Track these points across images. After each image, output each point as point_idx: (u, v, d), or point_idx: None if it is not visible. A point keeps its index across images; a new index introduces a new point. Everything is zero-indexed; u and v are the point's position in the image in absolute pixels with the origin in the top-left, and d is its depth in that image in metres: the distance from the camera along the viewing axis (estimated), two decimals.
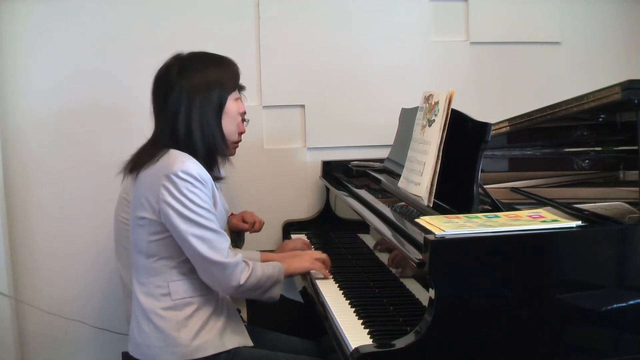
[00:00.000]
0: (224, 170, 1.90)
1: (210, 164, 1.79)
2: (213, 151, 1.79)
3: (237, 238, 2.47)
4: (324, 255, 2.06)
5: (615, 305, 1.54)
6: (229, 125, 1.84)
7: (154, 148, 1.78)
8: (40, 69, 2.61)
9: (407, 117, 2.32)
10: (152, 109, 1.83)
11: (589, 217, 1.65)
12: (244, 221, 2.44)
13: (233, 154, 1.99)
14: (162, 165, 1.72)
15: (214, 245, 1.71)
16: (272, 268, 1.85)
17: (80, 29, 2.62)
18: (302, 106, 2.82)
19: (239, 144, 1.98)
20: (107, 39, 2.64)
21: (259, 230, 2.46)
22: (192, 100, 1.76)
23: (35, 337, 2.72)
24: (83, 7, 2.61)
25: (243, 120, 1.94)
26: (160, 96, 1.80)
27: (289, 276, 2.00)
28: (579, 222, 1.56)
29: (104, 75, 2.64)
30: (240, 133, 1.94)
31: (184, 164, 1.70)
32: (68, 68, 2.63)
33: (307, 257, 2.04)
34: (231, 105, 1.83)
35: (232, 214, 2.42)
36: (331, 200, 2.73)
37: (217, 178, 1.83)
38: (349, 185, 2.46)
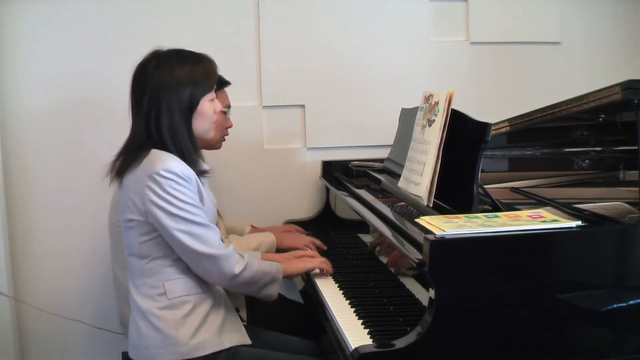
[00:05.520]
0: (205, 164, 1.89)
1: (188, 162, 1.77)
2: (183, 151, 1.77)
3: None
4: (327, 261, 2.07)
5: (615, 305, 1.54)
6: (201, 125, 1.82)
7: (134, 149, 1.79)
8: (41, 68, 2.61)
9: (407, 117, 2.32)
10: (129, 106, 1.83)
11: (589, 217, 1.65)
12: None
13: (219, 147, 1.98)
14: (145, 166, 1.72)
15: (203, 239, 1.72)
16: (269, 265, 1.86)
17: (81, 28, 2.62)
18: (302, 106, 2.82)
19: (227, 137, 1.98)
20: (107, 38, 2.64)
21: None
22: (162, 100, 1.75)
23: (35, 337, 2.71)
24: (83, 6, 2.61)
25: (225, 113, 1.92)
26: (136, 94, 1.80)
27: (289, 276, 2.00)
28: (579, 222, 1.56)
29: (104, 74, 2.64)
30: (227, 127, 1.93)
31: (165, 162, 1.71)
32: (68, 67, 2.63)
33: (311, 258, 2.05)
34: (205, 106, 1.81)
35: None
36: (331, 200, 2.73)
37: (201, 173, 1.82)
38: (349, 185, 2.46)
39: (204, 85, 1.81)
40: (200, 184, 1.79)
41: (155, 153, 1.74)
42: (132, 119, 1.83)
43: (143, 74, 1.80)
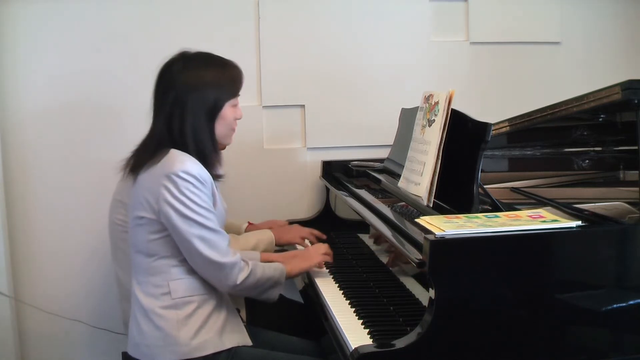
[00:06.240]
0: (222, 169, 1.90)
1: (206, 164, 1.79)
2: (205, 153, 1.79)
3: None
4: (328, 248, 2.07)
5: (615, 305, 1.54)
6: (222, 129, 1.84)
7: (153, 147, 1.79)
8: (41, 69, 2.61)
9: (407, 117, 2.32)
10: (152, 104, 1.84)
11: (589, 217, 1.65)
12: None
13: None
14: (163, 165, 1.72)
15: (213, 245, 1.72)
16: (273, 270, 1.85)
17: (81, 28, 2.62)
18: (302, 106, 2.82)
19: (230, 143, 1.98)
20: (107, 38, 2.64)
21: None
22: (187, 101, 1.76)
23: (35, 337, 2.72)
24: (83, 6, 2.61)
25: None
26: (160, 92, 1.81)
27: (293, 277, 2.01)
28: (579, 222, 1.56)
29: (105, 74, 2.64)
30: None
31: (184, 164, 1.71)
32: (68, 68, 2.62)
33: (313, 254, 2.04)
34: (228, 112, 1.83)
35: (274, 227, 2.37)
36: (331, 200, 2.73)
37: (216, 176, 1.83)
38: (349, 185, 2.46)
39: (229, 90, 1.83)
40: (214, 187, 1.79)
41: (174, 153, 1.74)
42: (153, 117, 1.83)
43: (168, 74, 1.81)
